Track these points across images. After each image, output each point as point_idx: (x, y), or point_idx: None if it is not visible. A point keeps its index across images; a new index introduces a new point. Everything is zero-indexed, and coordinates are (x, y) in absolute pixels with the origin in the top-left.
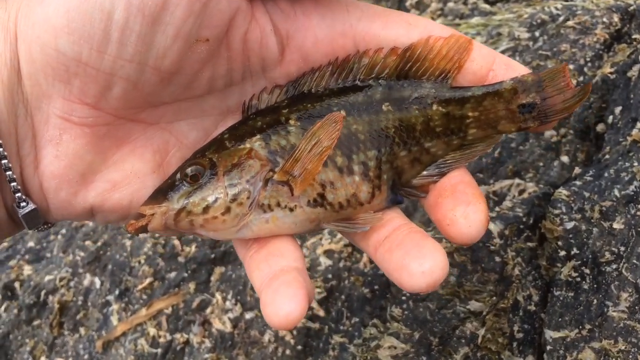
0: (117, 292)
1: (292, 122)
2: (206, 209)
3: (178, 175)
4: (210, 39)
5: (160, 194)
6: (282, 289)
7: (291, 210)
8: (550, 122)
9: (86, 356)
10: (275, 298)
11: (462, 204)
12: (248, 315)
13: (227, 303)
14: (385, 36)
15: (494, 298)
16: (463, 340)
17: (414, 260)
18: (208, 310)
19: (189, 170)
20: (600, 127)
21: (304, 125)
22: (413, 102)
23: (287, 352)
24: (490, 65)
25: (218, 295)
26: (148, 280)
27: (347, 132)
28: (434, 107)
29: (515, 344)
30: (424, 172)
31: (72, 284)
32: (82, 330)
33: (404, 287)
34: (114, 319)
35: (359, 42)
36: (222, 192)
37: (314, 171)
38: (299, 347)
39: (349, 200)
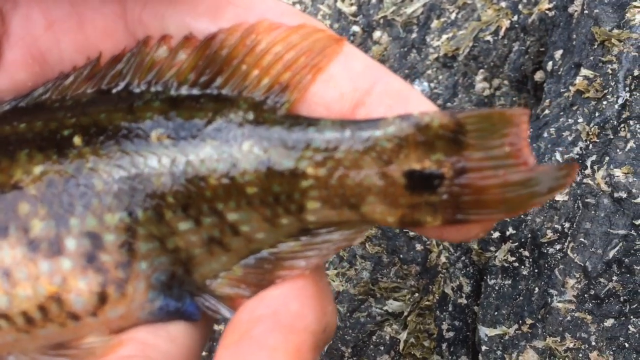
0: None
1: None
2: None
3: None
4: None
5: None
6: None
7: None
8: (469, 223)
9: None
10: None
11: None
12: None
13: None
14: (178, 22)
15: (416, 295)
16: (382, 348)
17: None
18: None
19: None
20: (538, 76)
21: None
22: (209, 134)
23: None
24: (362, 95)
25: None
26: None
27: (69, 173)
28: (245, 146)
29: (444, 346)
30: (235, 269)
31: None
32: None
33: None
34: None
35: (135, 28)
36: None
37: None
38: None
39: (44, 309)
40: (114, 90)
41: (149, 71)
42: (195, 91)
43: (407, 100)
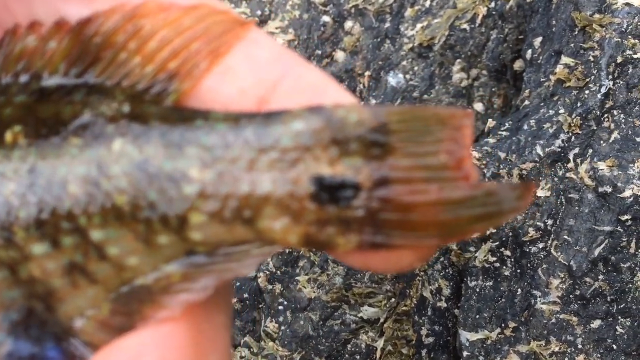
0: None
1: None
2: None
3: None
4: None
5: None
6: None
7: None
8: (394, 248)
9: None
10: None
11: None
12: None
13: None
14: (47, 7)
15: (393, 300)
16: (357, 357)
17: None
18: None
19: None
20: (518, 65)
21: None
22: (73, 131)
23: None
24: (267, 91)
25: None
26: None
27: None
28: (116, 144)
29: (424, 352)
30: (103, 307)
31: None
32: None
33: None
34: None
35: (1, 16)
36: None
37: None
38: None
39: None
40: None
41: (17, 63)
42: (67, 82)
43: (323, 97)
